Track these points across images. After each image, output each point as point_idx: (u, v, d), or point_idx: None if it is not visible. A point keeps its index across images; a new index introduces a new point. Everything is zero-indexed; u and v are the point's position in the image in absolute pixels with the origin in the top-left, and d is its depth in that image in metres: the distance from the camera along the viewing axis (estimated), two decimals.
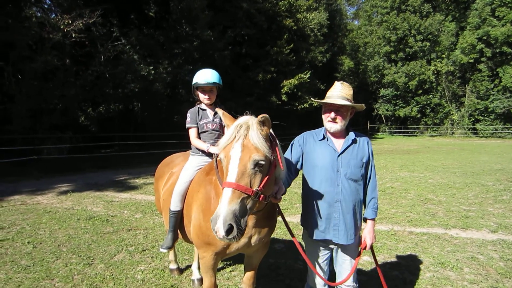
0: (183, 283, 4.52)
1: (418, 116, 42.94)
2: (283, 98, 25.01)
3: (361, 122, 45.09)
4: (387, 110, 44.27)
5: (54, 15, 15.21)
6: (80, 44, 14.97)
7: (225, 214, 2.10)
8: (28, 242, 5.89)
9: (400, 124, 44.68)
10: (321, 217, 2.90)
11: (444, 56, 41.31)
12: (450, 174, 13.31)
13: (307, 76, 25.73)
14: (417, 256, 5.40)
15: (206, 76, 3.49)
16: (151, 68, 16.24)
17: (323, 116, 2.97)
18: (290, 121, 25.02)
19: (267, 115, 2.32)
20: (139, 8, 18.36)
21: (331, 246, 3.04)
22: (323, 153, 2.92)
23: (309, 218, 2.98)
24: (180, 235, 3.63)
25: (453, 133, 40.96)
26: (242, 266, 4.97)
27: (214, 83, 3.50)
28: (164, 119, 21.43)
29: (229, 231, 2.08)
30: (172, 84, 19.70)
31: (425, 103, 41.78)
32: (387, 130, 45.65)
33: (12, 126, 14.76)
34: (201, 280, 4.35)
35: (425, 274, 4.78)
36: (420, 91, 41.69)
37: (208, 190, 2.99)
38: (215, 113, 3.65)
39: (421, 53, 41.64)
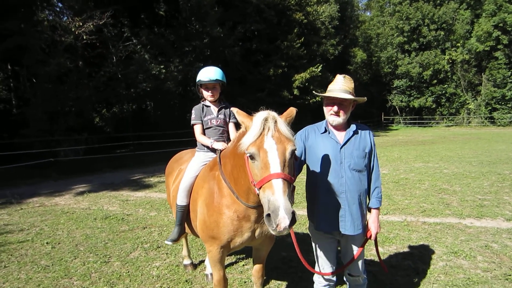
0: (197, 278, 4.56)
1: (433, 106, 42.30)
2: (295, 93, 24.88)
3: (375, 114, 44.58)
4: (401, 101, 43.69)
5: (65, 18, 15.44)
6: (92, 45, 15.18)
7: (285, 204, 2.07)
8: (47, 243, 6.01)
9: (415, 115, 44.05)
10: (327, 209, 2.93)
11: (459, 44, 40.48)
12: (465, 163, 13.05)
13: (319, 70, 25.51)
14: (430, 245, 5.36)
15: (208, 73, 3.55)
16: (162, 67, 16.35)
17: (325, 109, 2.99)
18: (302, 115, 24.88)
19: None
20: (149, 8, 18.48)
21: (338, 237, 3.06)
22: (325, 146, 2.94)
23: (315, 210, 3.02)
24: (188, 230, 3.71)
25: (469, 122, 40.17)
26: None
27: (216, 80, 3.54)
28: (176, 117, 21.54)
29: (293, 220, 2.05)
30: (184, 82, 19.80)
31: (440, 93, 41.14)
32: (401, 121, 45.07)
33: (29, 130, 15.08)
34: None
35: (438, 263, 4.74)
36: (435, 81, 41.04)
37: (212, 185, 3.04)
38: (219, 110, 3.71)
39: (435, 43, 40.91)
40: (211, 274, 4.41)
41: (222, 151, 3.25)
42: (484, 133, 30.12)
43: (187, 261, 4.83)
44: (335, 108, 2.87)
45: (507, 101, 37.44)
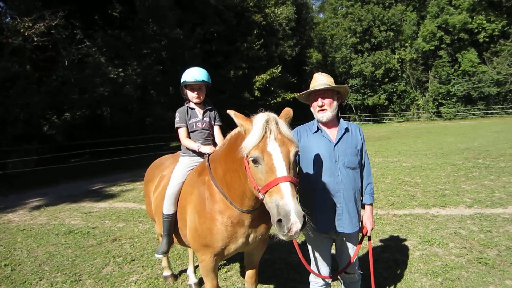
0: None
1: (386, 103, 44.15)
2: (256, 94, 24.95)
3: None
4: (356, 99, 45.16)
5: (9, 18, 14.26)
6: (42, 48, 14.10)
7: (296, 207, 2.03)
8: (5, 265, 5.43)
9: (369, 112, 45.76)
10: (324, 209, 2.89)
11: (407, 44, 42.63)
12: (421, 156, 13.72)
13: (279, 71, 25.74)
14: (404, 236, 5.55)
15: (194, 74, 3.41)
16: (120, 70, 15.57)
17: (312, 109, 2.99)
18: None
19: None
20: (102, 9, 17.55)
21: (334, 236, 3.04)
22: (318, 145, 2.92)
23: (312, 210, 2.94)
24: (175, 240, 3.50)
25: (419, 117, 42.50)
26: (237, 265, 4.87)
27: (203, 81, 3.42)
28: (136, 122, 20.76)
29: (304, 224, 2.01)
30: (142, 85, 19.06)
31: (392, 90, 42.98)
32: (357, 119, 46.58)
33: None
34: (198, 284, 4.28)
35: (415, 253, 4.92)
36: (387, 79, 42.81)
37: (202, 191, 2.91)
38: (204, 112, 3.57)
39: (386, 43, 42.69)
40: (195, 284, 4.29)
41: (210, 155, 3.10)
42: (433, 127, 31.96)
43: (167, 273, 4.56)
44: (319, 102, 2.88)
45: (451, 97, 39.99)
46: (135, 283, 4.50)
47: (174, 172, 3.39)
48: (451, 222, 6.07)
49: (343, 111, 47.95)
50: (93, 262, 5.34)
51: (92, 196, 10.80)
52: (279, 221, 2.01)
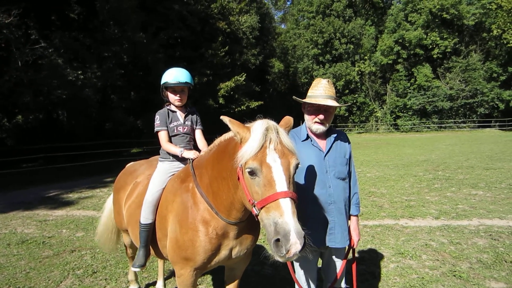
0: None
1: (346, 114, 45.61)
2: (220, 101, 24.81)
3: (294, 122, 46.49)
4: None
5: None
6: None
7: (296, 226, 1.87)
8: None
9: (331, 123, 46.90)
10: (316, 223, 2.71)
11: (366, 57, 44.49)
12: (383, 167, 14.10)
13: (243, 79, 25.83)
14: (377, 248, 5.53)
15: (177, 75, 3.20)
16: (79, 72, 14.88)
17: (308, 117, 2.82)
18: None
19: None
20: (60, 9, 16.76)
21: (322, 250, 2.90)
22: (309, 154, 2.76)
23: (303, 225, 2.85)
24: (152, 251, 3.28)
25: (377, 129, 44.16)
26: (209, 278, 4.69)
27: (186, 82, 3.21)
28: (95, 127, 19.94)
29: (304, 245, 1.86)
30: (102, 89, 18.37)
31: (352, 102, 44.44)
32: None
33: None
34: None
35: (389, 265, 4.89)
36: (347, 90, 44.33)
37: (185, 199, 2.70)
38: (186, 115, 3.38)
39: (346, 55, 44.30)
40: None
41: (194, 160, 2.93)
42: (391, 138, 33.25)
43: (133, 287, 4.31)
44: (321, 116, 2.73)
45: (408, 110, 42.10)
46: None
47: (153, 178, 3.18)
48: (420, 233, 6.13)
49: (303, 120, 48.90)
50: (50, 274, 4.99)
51: (48, 203, 10.18)
52: (277, 240, 1.87)
